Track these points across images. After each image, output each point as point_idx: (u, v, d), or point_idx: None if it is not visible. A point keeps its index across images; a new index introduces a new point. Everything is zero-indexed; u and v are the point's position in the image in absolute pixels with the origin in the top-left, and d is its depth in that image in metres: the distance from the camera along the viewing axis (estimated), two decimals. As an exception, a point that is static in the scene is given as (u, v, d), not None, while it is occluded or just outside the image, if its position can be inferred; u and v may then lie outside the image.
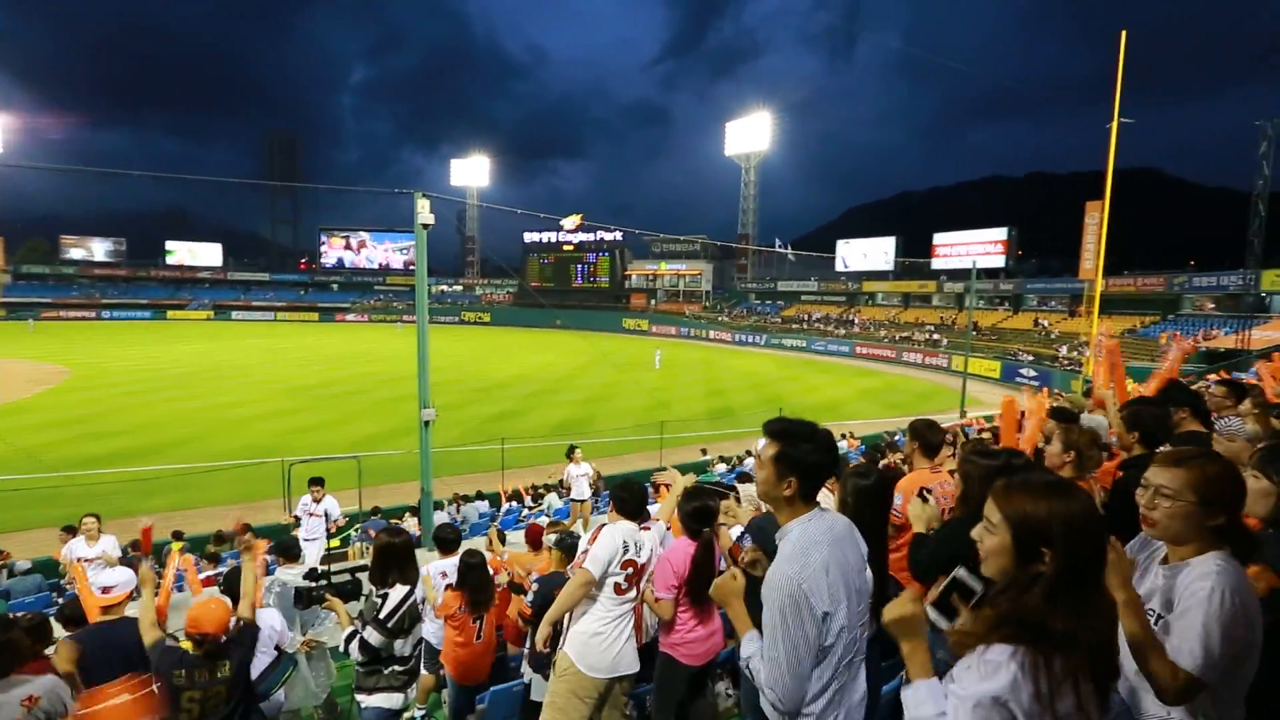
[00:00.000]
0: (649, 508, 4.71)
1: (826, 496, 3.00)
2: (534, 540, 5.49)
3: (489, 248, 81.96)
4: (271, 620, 3.40)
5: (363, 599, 3.34)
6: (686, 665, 3.23)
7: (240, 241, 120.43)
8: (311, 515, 8.44)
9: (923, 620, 1.44)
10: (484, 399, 25.65)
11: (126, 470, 15.18)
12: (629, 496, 3.29)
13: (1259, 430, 3.79)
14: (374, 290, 76.64)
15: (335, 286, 77.43)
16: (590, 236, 68.56)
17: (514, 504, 12.29)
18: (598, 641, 3.07)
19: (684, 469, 15.38)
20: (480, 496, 12.35)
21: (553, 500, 11.92)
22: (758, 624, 1.86)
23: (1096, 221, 31.93)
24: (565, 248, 70.57)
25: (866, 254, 53.93)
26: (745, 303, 62.32)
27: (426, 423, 9.38)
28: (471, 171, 75.99)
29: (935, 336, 42.09)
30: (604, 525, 3.20)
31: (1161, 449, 2.97)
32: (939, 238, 48.47)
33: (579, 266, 70.58)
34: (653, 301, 66.43)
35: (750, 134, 62.49)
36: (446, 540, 4.50)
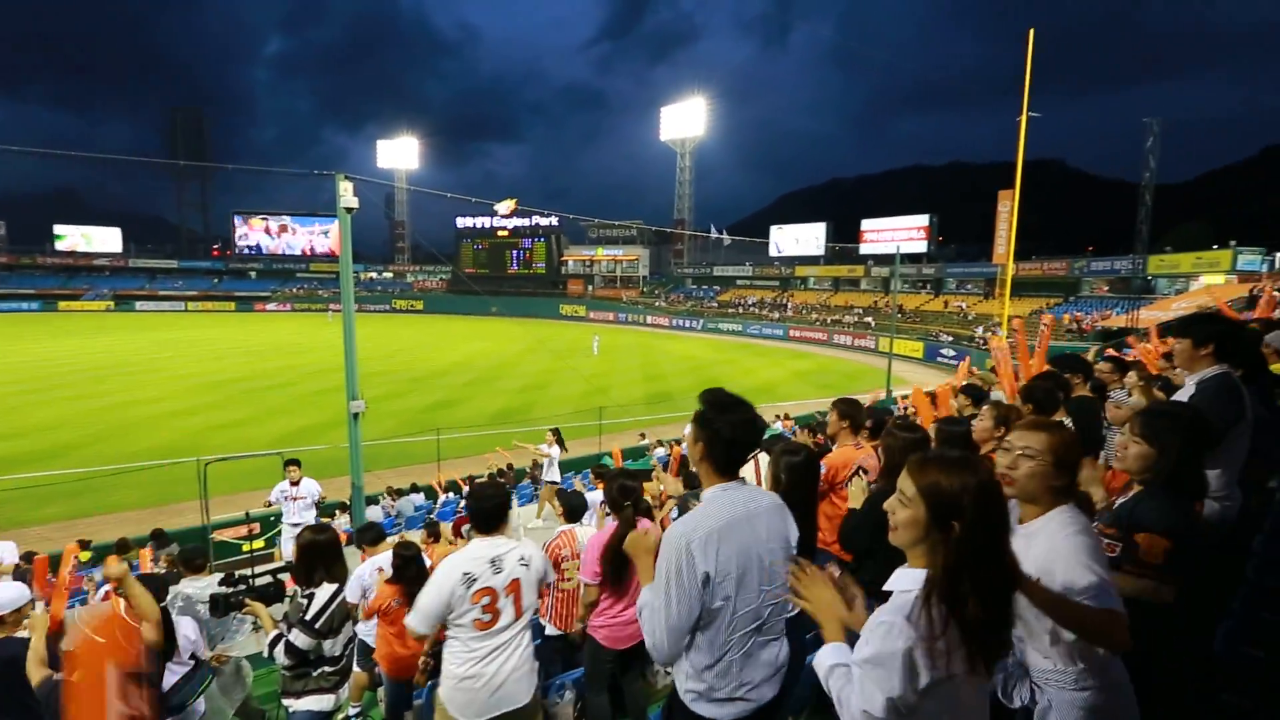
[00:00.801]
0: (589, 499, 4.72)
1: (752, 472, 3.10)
2: (459, 530, 5.42)
3: (420, 233, 79.33)
4: (186, 630, 3.22)
5: (287, 600, 3.21)
6: (609, 648, 3.27)
7: (142, 226, 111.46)
8: (295, 499, 7.98)
9: (832, 600, 1.55)
10: (418, 389, 24.94)
11: (18, 477, 13.93)
12: (480, 507, 2.80)
13: (1143, 401, 4.17)
14: (297, 278, 72.83)
15: (253, 274, 73.09)
16: (526, 222, 67.41)
17: (451, 495, 12.06)
18: (468, 685, 2.66)
19: (623, 453, 15.52)
20: (415, 489, 12.04)
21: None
22: None
23: (1008, 209, 33.98)
24: (500, 233, 69.16)
25: (799, 239, 55.42)
26: (682, 288, 62.91)
27: (355, 415, 9.05)
28: (400, 153, 73.21)
29: (864, 319, 43.79)
30: (442, 561, 2.81)
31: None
32: (866, 224, 50.28)
33: (515, 252, 69.37)
34: (590, 287, 66.08)
35: (686, 119, 62.74)
36: (372, 538, 4.36)
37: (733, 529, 1.83)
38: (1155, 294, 34.67)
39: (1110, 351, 9.34)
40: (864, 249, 50.23)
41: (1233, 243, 33.03)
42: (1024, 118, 25.93)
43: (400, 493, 11.68)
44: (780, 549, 1.94)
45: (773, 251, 57.31)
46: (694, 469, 2.05)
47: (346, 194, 8.78)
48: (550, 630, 4.00)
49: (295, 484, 7.97)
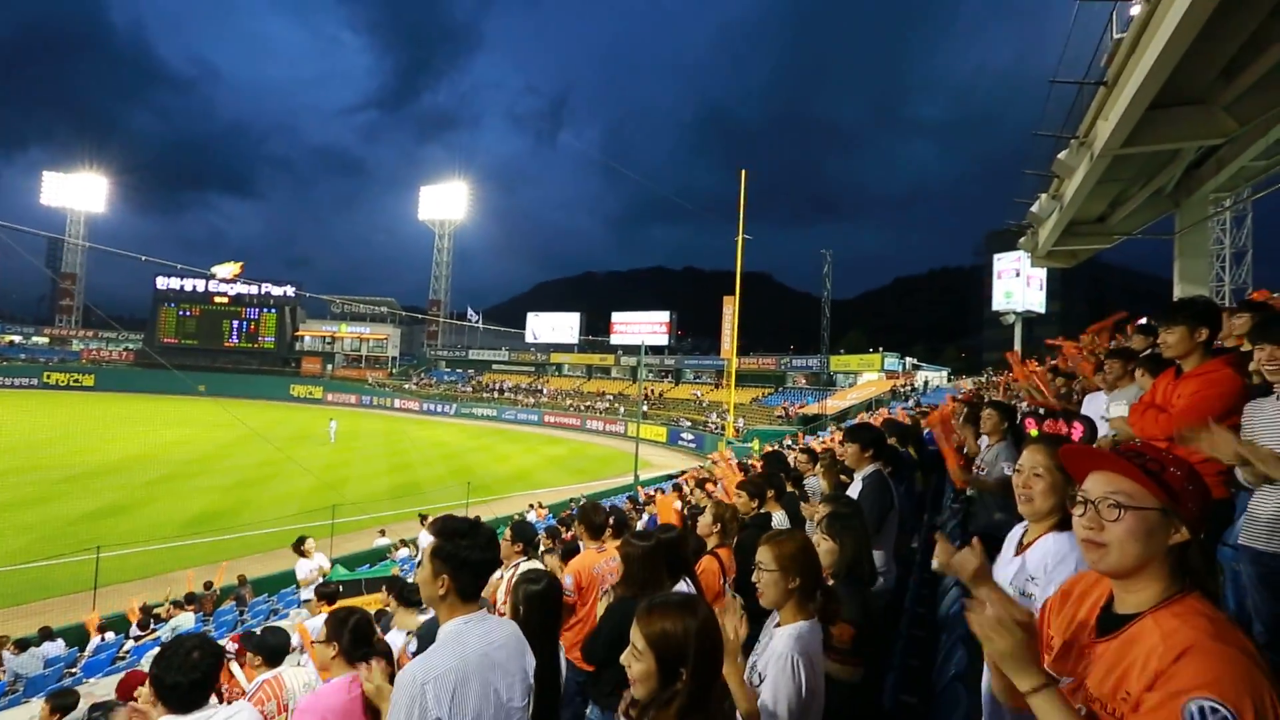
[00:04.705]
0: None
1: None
2: (126, 692, 4.13)
3: (102, 291, 64.44)
4: None
5: None
6: None
7: None
8: None
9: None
10: (74, 491, 19.22)
11: None
12: (176, 680, 2.03)
13: (826, 486, 5.00)
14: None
15: None
16: (253, 289, 59.02)
17: (110, 636, 9.22)
18: None
19: (359, 557, 13.74)
20: (49, 635, 8.87)
21: (182, 621, 9.27)
22: None
23: (731, 312, 39.87)
24: (217, 300, 59.32)
25: (554, 327, 57.64)
26: (436, 371, 60.30)
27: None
28: (79, 192, 59.35)
29: (615, 405, 46.44)
30: None
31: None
32: (616, 316, 54.51)
33: (236, 323, 59.85)
34: (330, 367, 59.64)
35: (447, 201, 62.47)
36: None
37: (472, 668, 1.76)
38: (836, 386, 43.13)
39: (803, 442, 11.18)
40: (614, 339, 54.07)
41: (881, 349, 43.36)
42: (740, 238, 31.33)
43: (24, 644, 8.48)
44: (519, 680, 1.91)
45: (529, 338, 58.53)
46: (432, 608, 1.92)
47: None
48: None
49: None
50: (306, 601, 8.62)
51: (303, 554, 8.95)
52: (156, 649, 7.67)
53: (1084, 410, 4.32)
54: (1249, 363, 2.61)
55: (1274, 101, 6.52)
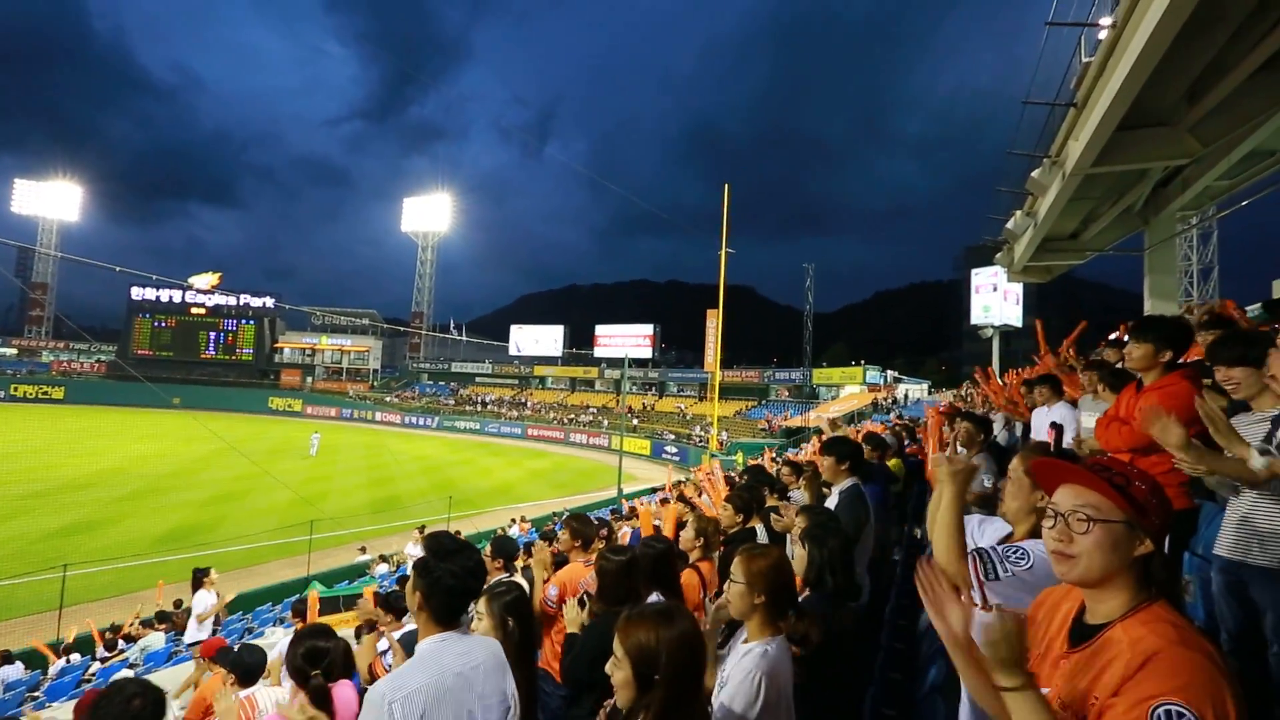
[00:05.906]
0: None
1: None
2: (82, 712, 3.99)
3: (74, 301, 63.19)
4: None
5: None
6: None
7: None
8: None
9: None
10: (40, 508, 18.69)
11: None
12: None
13: (809, 498, 5.03)
14: None
15: None
16: (231, 300, 58.16)
17: (73, 659, 8.91)
18: None
19: (338, 573, 13.50)
20: (7, 658, 8.52)
21: (152, 641, 8.97)
22: None
23: (714, 326, 40.09)
24: (194, 311, 58.37)
25: (538, 340, 57.57)
26: (418, 384, 59.76)
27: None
28: (50, 199, 58.32)
29: (599, 418, 46.29)
30: None
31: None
32: (600, 329, 54.55)
33: (213, 334, 58.90)
34: (310, 379, 58.82)
35: (430, 213, 62.31)
36: None
37: (445, 688, 1.71)
38: (819, 399, 43.42)
39: (788, 456, 11.27)
40: (598, 352, 54.07)
41: (862, 361, 43.84)
42: (724, 252, 31.57)
43: (-17, 666, 8.17)
44: (497, 704, 1.86)
45: (513, 350, 58.36)
46: (413, 618, 1.89)
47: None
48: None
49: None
50: (193, 644, 7.25)
51: (202, 585, 7.95)
52: (124, 670, 7.42)
53: (1033, 424, 4.42)
54: (1206, 375, 2.69)
55: (1236, 124, 6.76)
